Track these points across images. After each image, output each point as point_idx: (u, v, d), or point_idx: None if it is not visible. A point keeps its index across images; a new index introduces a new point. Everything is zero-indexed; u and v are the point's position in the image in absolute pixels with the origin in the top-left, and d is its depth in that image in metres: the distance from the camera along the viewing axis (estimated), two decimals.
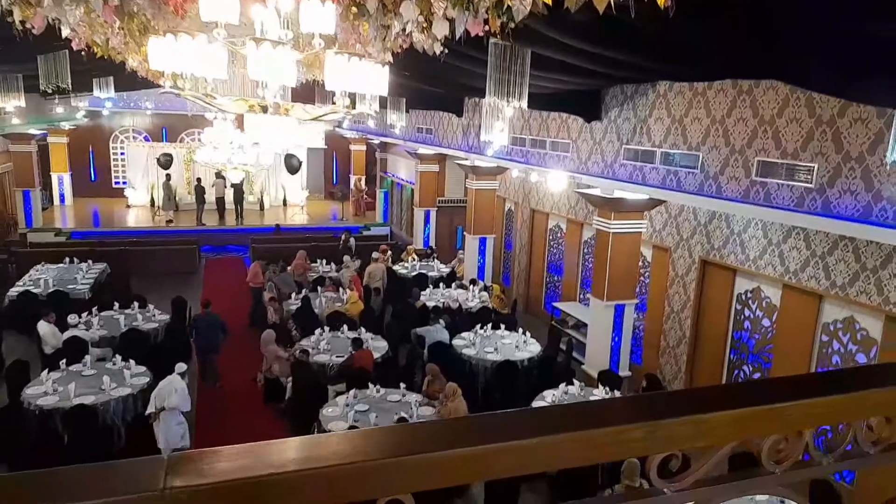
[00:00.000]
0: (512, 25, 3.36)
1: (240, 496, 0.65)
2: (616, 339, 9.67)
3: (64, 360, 8.56)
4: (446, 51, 3.84)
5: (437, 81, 9.14)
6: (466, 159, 13.15)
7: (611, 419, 0.88)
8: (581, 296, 12.87)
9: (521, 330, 10.67)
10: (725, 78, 6.66)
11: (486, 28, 3.36)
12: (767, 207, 6.26)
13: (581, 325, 11.75)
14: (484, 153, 11.66)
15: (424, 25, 3.33)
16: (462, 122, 12.80)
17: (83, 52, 4.86)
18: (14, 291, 12.16)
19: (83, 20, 3.44)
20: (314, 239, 17.92)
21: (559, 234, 13.75)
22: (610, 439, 0.86)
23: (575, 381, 8.63)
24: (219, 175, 19.97)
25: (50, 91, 7.78)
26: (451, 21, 3.26)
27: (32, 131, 17.81)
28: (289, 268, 14.03)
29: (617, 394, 8.36)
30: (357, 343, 9.14)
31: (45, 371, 8.32)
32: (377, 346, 9.92)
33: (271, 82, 2.71)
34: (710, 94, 6.96)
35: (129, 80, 9.67)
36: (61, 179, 22.23)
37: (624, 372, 9.74)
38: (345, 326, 10.43)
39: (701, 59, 5.60)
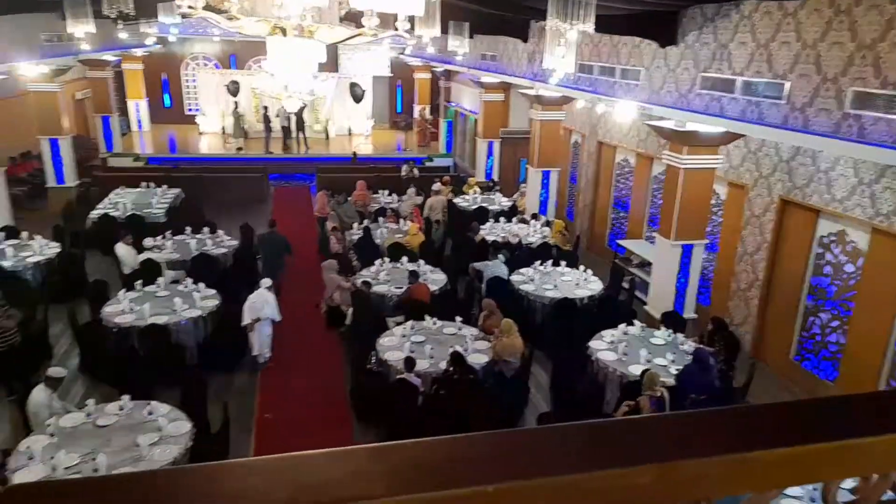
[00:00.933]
0: None
1: None
2: (682, 279, 9.30)
3: (140, 281, 9.05)
4: None
5: (496, 3, 8.63)
6: (531, 88, 12.60)
7: (605, 458, 0.66)
8: (647, 233, 12.40)
9: (582, 267, 10.43)
10: None
11: None
12: (861, 143, 5.66)
13: (646, 264, 11.36)
14: (549, 81, 11.11)
15: None
16: (527, 48, 12.18)
17: None
18: (95, 214, 12.85)
19: None
20: (378, 169, 17.92)
21: (627, 169, 13.16)
22: (599, 485, 0.64)
23: (636, 322, 8.41)
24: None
25: (113, 16, 7.83)
26: None
27: (107, 57, 18.27)
28: (349, 198, 14.14)
29: (680, 336, 8.11)
30: (413, 276, 9.18)
31: (123, 291, 8.82)
32: (435, 278, 9.95)
33: (289, 1, 2.51)
34: (802, 15, 6.24)
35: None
36: (137, 106, 22.94)
37: (689, 314, 9.41)
38: (405, 258, 10.49)
39: None
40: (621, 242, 12.38)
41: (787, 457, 0.71)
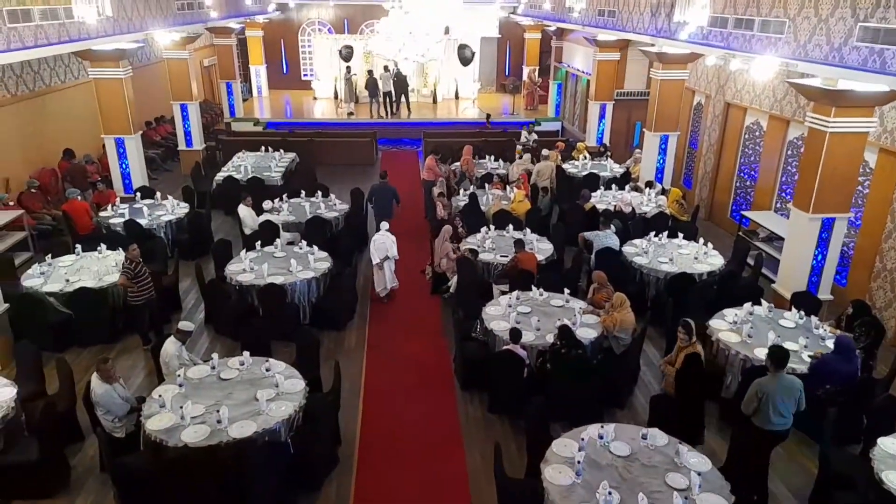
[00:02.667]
0: None
1: None
2: (819, 256, 8.41)
3: (259, 242, 9.48)
4: None
5: None
6: (653, 45, 11.73)
7: None
8: (777, 205, 11.34)
9: (701, 240, 9.72)
10: None
11: None
12: None
13: (774, 239, 10.43)
14: (675, 37, 10.25)
15: None
16: (651, 1, 11.30)
17: None
18: (220, 176, 13.60)
19: None
20: (484, 134, 17.65)
21: (757, 133, 12.03)
22: None
23: (763, 301, 7.74)
24: (386, 69, 20.13)
25: None
26: None
27: (232, 25, 19.13)
28: (456, 164, 14.01)
29: (814, 319, 7.37)
30: (519, 244, 8.95)
31: (244, 250, 9.29)
32: (542, 248, 9.66)
33: None
34: None
35: None
36: (258, 72, 24.00)
37: (824, 295, 8.53)
38: (510, 226, 10.27)
39: None
40: (746, 214, 11.42)
41: None
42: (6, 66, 11.62)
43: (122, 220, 10.46)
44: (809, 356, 6.54)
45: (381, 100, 20.43)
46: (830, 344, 6.70)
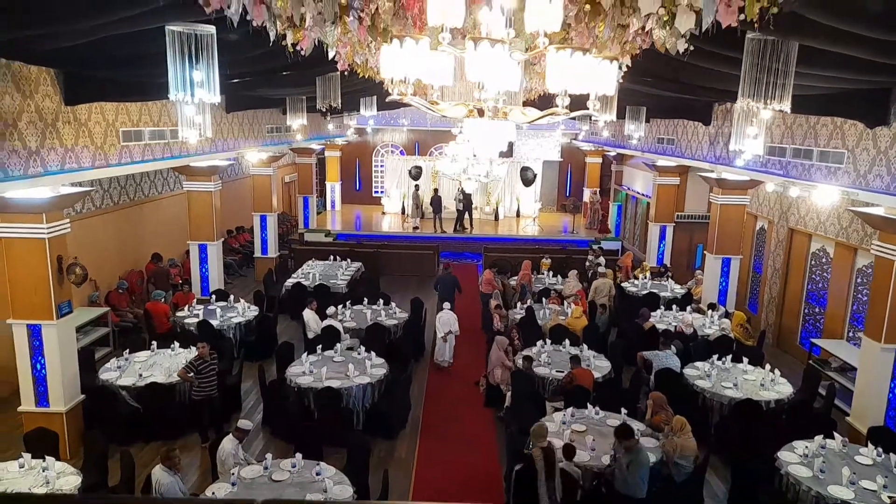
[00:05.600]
0: (774, 11, 2.90)
1: None
2: None
3: (320, 346, 9.78)
4: (691, 48, 3.49)
5: (679, 86, 8.49)
6: (712, 171, 12.02)
7: None
8: (849, 333, 10.86)
9: (768, 366, 9.36)
10: None
11: (741, 17, 2.96)
12: None
13: (847, 369, 9.91)
14: (733, 164, 10.53)
15: (666, 19, 3.05)
16: (709, 130, 11.74)
17: (346, 73, 5.49)
18: (290, 282, 14.29)
19: (341, 39, 3.87)
20: (544, 251, 17.99)
21: (824, 259, 11.80)
22: None
23: (836, 435, 7.27)
24: (462, 192, 21.27)
25: (324, 110, 8.97)
26: (698, 12, 2.94)
27: (314, 146, 20.87)
28: (514, 278, 14.27)
29: (892, 458, 6.84)
30: (575, 360, 8.88)
31: (306, 353, 9.58)
32: (599, 365, 9.53)
33: (489, 84, 2.69)
34: None
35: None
36: (333, 188, 25.73)
37: None
38: (567, 341, 10.23)
39: None
40: (816, 342, 10.96)
41: None
42: (113, 179, 13.00)
43: (196, 320, 11.04)
44: (889, 497, 6.03)
45: (443, 216, 21.39)
46: None
